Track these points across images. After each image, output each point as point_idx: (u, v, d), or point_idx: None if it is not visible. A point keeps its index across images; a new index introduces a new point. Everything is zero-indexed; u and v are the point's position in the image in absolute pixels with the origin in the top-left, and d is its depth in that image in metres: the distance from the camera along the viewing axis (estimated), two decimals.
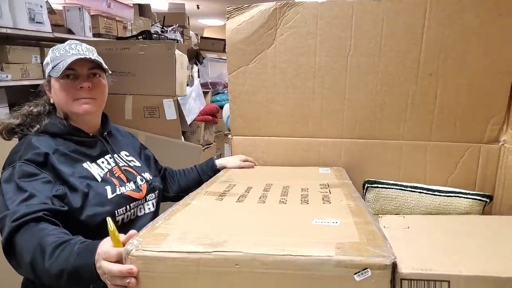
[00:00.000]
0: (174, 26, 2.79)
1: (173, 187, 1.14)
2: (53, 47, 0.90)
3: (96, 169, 0.88)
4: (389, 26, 1.07)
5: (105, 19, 2.77)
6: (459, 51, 1.05)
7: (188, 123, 2.11)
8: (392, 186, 1.03)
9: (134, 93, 1.97)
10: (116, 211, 0.85)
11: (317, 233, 0.61)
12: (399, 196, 1.02)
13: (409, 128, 1.12)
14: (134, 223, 0.90)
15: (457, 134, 1.10)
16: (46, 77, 0.90)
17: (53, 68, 0.86)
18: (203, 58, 2.99)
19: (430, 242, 0.69)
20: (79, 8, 2.49)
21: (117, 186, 0.88)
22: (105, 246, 0.59)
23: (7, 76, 1.90)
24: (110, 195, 0.85)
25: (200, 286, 0.55)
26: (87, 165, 0.87)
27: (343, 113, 1.14)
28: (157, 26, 2.76)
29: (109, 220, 0.59)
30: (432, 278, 0.55)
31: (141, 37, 2.38)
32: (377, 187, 1.04)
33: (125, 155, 0.99)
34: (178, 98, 1.97)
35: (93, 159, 0.90)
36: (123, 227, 0.87)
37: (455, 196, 0.98)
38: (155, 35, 2.49)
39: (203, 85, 2.64)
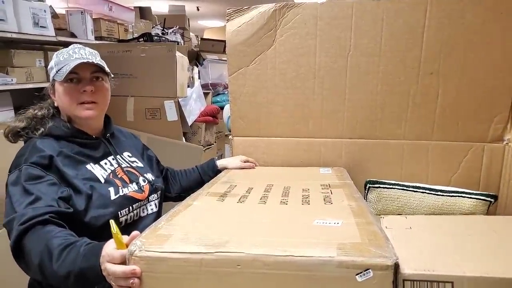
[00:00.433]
0: (174, 28, 2.81)
1: (174, 188, 1.15)
2: (57, 52, 0.92)
3: (99, 171, 0.89)
4: (389, 26, 1.07)
5: (106, 22, 2.79)
6: (460, 50, 1.05)
7: (189, 124, 2.11)
8: (394, 186, 1.03)
9: (135, 95, 1.98)
10: (119, 212, 0.86)
11: (318, 234, 0.61)
12: (401, 196, 1.01)
13: (410, 128, 1.11)
14: (137, 224, 0.90)
15: (460, 134, 1.09)
16: (50, 81, 0.92)
17: (57, 72, 0.88)
18: (204, 59, 3.00)
19: (433, 242, 0.69)
20: (82, 12, 2.51)
21: (120, 187, 0.89)
22: (109, 248, 0.60)
23: (12, 79, 1.92)
24: (113, 197, 0.86)
25: (202, 287, 0.55)
26: (90, 166, 0.88)
27: (344, 113, 1.14)
28: (157, 28, 2.77)
29: (112, 222, 0.60)
30: (435, 279, 0.55)
31: (142, 39, 2.39)
32: (379, 187, 1.03)
33: (128, 156, 1.00)
34: (179, 100, 1.98)
35: (96, 161, 0.91)
36: (127, 228, 0.87)
37: (459, 196, 0.98)
38: (156, 37, 2.50)
39: (204, 86, 2.65)
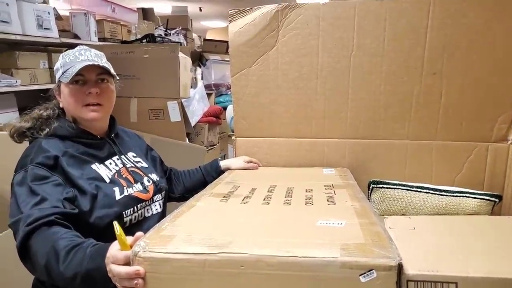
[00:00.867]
0: (177, 29, 2.82)
1: (178, 188, 1.15)
2: (63, 53, 0.92)
3: (104, 170, 0.89)
4: (392, 26, 1.06)
5: (110, 23, 2.80)
6: (463, 50, 1.04)
7: (192, 124, 2.12)
8: (397, 186, 1.02)
9: (139, 96, 1.99)
10: (123, 212, 0.86)
11: (322, 234, 0.61)
12: (405, 197, 1.01)
13: (414, 128, 1.11)
14: (141, 224, 0.91)
15: (464, 133, 1.09)
16: (56, 82, 0.92)
17: (63, 73, 0.88)
18: (206, 60, 3.01)
19: (437, 243, 0.69)
20: (85, 13, 2.53)
21: (124, 188, 0.89)
22: (113, 249, 0.60)
23: (16, 81, 1.94)
24: (118, 196, 0.86)
25: (206, 287, 0.55)
26: (95, 166, 0.89)
27: (347, 113, 1.14)
28: (160, 29, 2.79)
29: (115, 224, 0.60)
30: (439, 280, 0.55)
31: (145, 40, 2.40)
32: (383, 187, 1.03)
33: (132, 156, 1.00)
34: (182, 100, 1.99)
35: (101, 161, 0.91)
36: (131, 228, 0.87)
37: (463, 196, 0.97)
38: (158, 38, 2.51)
39: (207, 87, 2.66)
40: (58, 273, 0.66)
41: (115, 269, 0.58)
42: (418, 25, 1.05)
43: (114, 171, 0.91)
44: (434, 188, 1.00)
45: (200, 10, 5.70)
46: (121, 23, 3.02)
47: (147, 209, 0.93)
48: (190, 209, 0.75)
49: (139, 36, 2.65)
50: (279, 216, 0.72)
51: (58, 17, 2.35)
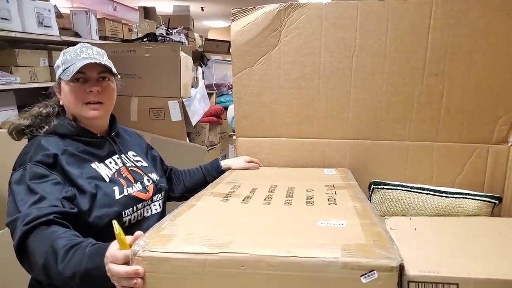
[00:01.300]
0: (179, 28, 2.81)
1: (178, 187, 1.15)
2: (65, 50, 0.91)
3: (104, 169, 0.89)
4: (394, 26, 1.06)
5: (111, 22, 2.80)
6: (465, 51, 1.04)
7: (193, 124, 2.12)
8: (398, 187, 1.02)
9: (139, 95, 1.99)
10: (123, 212, 0.86)
11: (323, 235, 0.61)
12: (406, 198, 1.01)
13: (415, 129, 1.11)
14: (141, 224, 0.90)
15: (464, 135, 1.08)
16: (56, 79, 0.91)
17: (63, 71, 0.87)
18: (208, 59, 3.00)
19: (438, 244, 0.69)
20: (86, 11, 2.53)
21: (124, 187, 0.89)
22: (112, 249, 0.60)
23: (16, 79, 1.93)
24: (117, 196, 0.86)
25: (206, 287, 0.55)
26: (95, 165, 0.88)
27: (348, 113, 1.13)
28: (162, 29, 2.78)
29: (115, 223, 0.60)
30: (441, 281, 0.54)
31: (146, 39, 2.40)
32: (383, 188, 1.03)
33: (133, 155, 1.00)
34: (183, 100, 1.98)
35: (101, 159, 0.91)
36: (130, 228, 0.87)
37: (463, 198, 0.97)
38: (160, 38, 2.50)
39: (208, 87, 2.65)
40: (56, 273, 0.65)
41: (114, 269, 0.57)
42: (420, 26, 1.05)
43: (114, 170, 0.90)
44: (434, 189, 1.00)
45: (202, 9, 5.70)
46: (123, 21, 3.02)
47: (147, 209, 0.93)
48: (190, 209, 0.75)
49: (140, 35, 2.64)
50: (280, 216, 0.72)
51: (59, 15, 2.35)
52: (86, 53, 0.89)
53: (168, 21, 2.94)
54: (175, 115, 1.98)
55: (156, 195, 0.96)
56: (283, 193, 0.86)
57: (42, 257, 0.67)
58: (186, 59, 2.03)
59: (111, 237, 0.78)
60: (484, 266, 0.58)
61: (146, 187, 0.94)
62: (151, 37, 2.40)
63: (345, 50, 1.10)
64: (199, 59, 3.04)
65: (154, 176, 0.98)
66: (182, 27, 2.87)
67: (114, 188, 0.86)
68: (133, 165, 0.97)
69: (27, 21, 1.96)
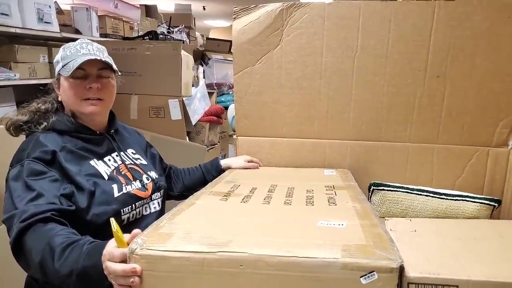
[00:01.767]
0: (180, 27, 2.80)
1: (177, 186, 1.14)
2: (64, 45, 0.91)
3: (103, 167, 0.88)
4: (396, 27, 1.06)
5: (112, 19, 2.79)
6: (467, 53, 1.04)
7: (193, 123, 2.11)
8: (398, 189, 1.02)
9: (139, 93, 1.98)
10: (121, 210, 0.85)
11: (322, 235, 0.60)
12: (405, 199, 1.00)
13: (416, 131, 1.10)
14: (139, 222, 0.90)
15: (465, 137, 1.08)
16: (55, 75, 0.91)
17: (63, 66, 0.87)
18: (209, 59, 3.00)
19: (438, 245, 0.68)
20: (87, 8, 2.52)
21: (123, 185, 0.88)
22: (110, 247, 0.60)
23: (15, 75, 1.92)
24: (116, 194, 0.85)
25: (204, 286, 0.54)
26: (94, 162, 0.87)
27: (349, 114, 1.13)
28: (163, 27, 2.77)
29: (112, 220, 0.59)
30: (440, 283, 0.54)
31: (147, 37, 2.39)
32: (383, 189, 1.03)
33: (132, 153, 0.99)
34: (184, 99, 1.98)
35: (100, 157, 0.90)
36: (129, 226, 0.86)
37: (463, 200, 0.97)
38: (161, 36, 2.50)
39: (208, 86, 2.65)
40: (53, 271, 0.65)
41: (111, 267, 0.57)
42: (423, 27, 1.05)
43: (113, 167, 0.90)
44: (434, 192, 1.00)
45: (204, 8, 5.69)
46: (124, 19, 3.01)
47: (145, 207, 0.92)
48: (190, 207, 0.75)
49: (141, 33, 2.64)
50: (279, 216, 0.72)
51: (60, 11, 2.34)
52: (86, 49, 0.88)
53: (170, 20, 2.93)
54: (175, 114, 1.97)
55: (155, 194, 0.96)
56: (283, 193, 0.85)
57: (39, 255, 0.66)
58: (187, 58, 2.02)
59: (109, 235, 0.77)
60: (484, 268, 0.58)
61: (145, 185, 0.93)
62: (152, 35, 2.39)
63: (347, 50, 1.10)
64: (200, 58, 3.03)
65: (153, 174, 0.98)
66: (183, 26, 2.86)
67: (112, 185, 0.86)
68: (132, 163, 0.96)
69: (27, 17, 1.95)
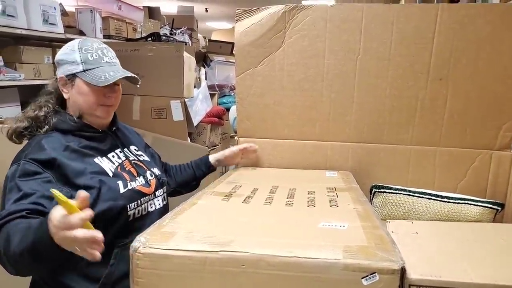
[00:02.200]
0: (182, 29, 2.82)
1: (170, 183, 1.15)
2: (80, 45, 0.89)
3: (107, 164, 0.89)
4: (399, 30, 1.06)
5: (115, 21, 2.81)
6: (470, 56, 1.04)
7: (195, 124, 2.12)
8: (399, 192, 1.02)
9: (142, 94, 1.98)
10: (128, 206, 0.86)
11: (324, 236, 0.60)
12: (407, 202, 1.00)
13: (418, 133, 1.10)
14: (144, 219, 0.90)
15: (467, 140, 1.08)
16: (66, 74, 0.89)
17: (84, 70, 0.87)
18: (211, 60, 3.01)
19: (440, 248, 0.68)
20: (91, 10, 2.54)
21: (128, 181, 0.89)
22: (60, 217, 0.57)
23: (20, 75, 1.94)
24: (122, 190, 0.86)
25: (206, 285, 0.55)
26: (98, 160, 0.88)
27: (351, 116, 1.13)
28: (166, 29, 2.79)
29: (54, 191, 0.56)
30: (442, 285, 0.54)
31: (150, 39, 2.41)
32: (385, 192, 1.02)
33: (135, 149, 1.01)
34: (185, 100, 1.98)
35: (104, 154, 0.91)
36: (134, 222, 0.87)
37: (465, 203, 0.97)
38: (164, 37, 2.51)
39: (210, 88, 2.66)
40: (12, 255, 0.65)
41: (71, 235, 0.56)
42: (426, 30, 1.05)
43: (117, 163, 0.91)
44: (436, 194, 0.99)
45: (206, 10, 5.72)
46: (127, 21, 3.03)
47: (150, 204, 0.93)
48: (192, 207, 0.75)
49: (144, 35, 2.65)
50: (281, 217, 0.72)
51: (64, 13, 2.36)
52: (108, 56, 0.91)
53: (172, 21, 2.95)
54: (177, 115, 1.97)
55: (159, 190, 0.96)
56: (284, 194, 0.85)
57: (1, 246, 0.67)
58: (189, 60, 2.03)
59: (116, 232, 0.77)
60: (486, 271, 0.58)
61: (149, 182, 0.94)
62: (155, 36, 2.41)
63: (349, 52, 1.10)
64: (202, 59, 3.05)
65: (156, 170, 0.99)
66: (186, 28, 2.88)
67: (118, 182, 0.86)
68: (136, 159, 0.97)
69: (33, 18, 1.97)
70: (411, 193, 1.01)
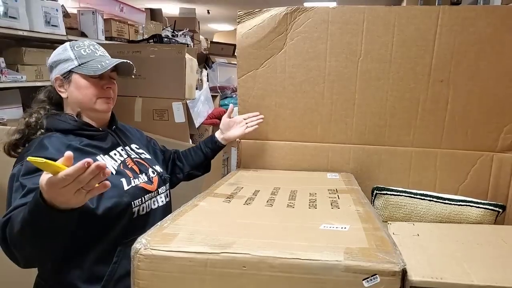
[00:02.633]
0: (184, 31, 2.83)
1: (184, 168, 1.17)
2: (71, 44, 0.92)
3: (109, 162, 0.89)
4: (400, 32, 1.07)
5: (117, 22, 2.83)
6: (471, 58, 1.04)
7: (196, 126, 2.12)
8: (401, 193, 1.02)
9: (143, 96, 1.99)
10: (132, 203, 0.87)
11: (325, 238, 0.60)
12: (408, 204, 1.00)
13: (419, 135, 1.10)
14: (148, 216, 0.91)
15: (469, 142, 1.08)
16: (62, 73, 0.90)
17: (80, 65, 0.88)
18: (213, 62, 3.02)
19: (441, 250, 0.68)
20: (93, 12, 2.55)
21: (131, 178, 0.90)
22: (49, 181, 0.57)
23: (21, 77, 1.95)
24: (126, 187, 0.87)
25: (207, 287, 0.55)
26: (100, 158, 0.88)
27: (352, 118, 1.13)
28: (168, 30, 2.80)
29: (30, 158, 0.54)
30: (443, 287, 0.54)
31: (152, 40, 2.42)
32: (386, 194, 1.02)
33: (136, 147, 1.01)
34: (187, 102, 1.99)
35: (106, 152, 0.91)
36: (138, 220, 0.88)
37: (466, 205, 0.96)
38: (166, 39, 2.52)
39: (212, 89, 2.66)
40: (15, 236, 0.66)
41: (75, 182, 0.56)
42: (427, 32, 1.05)
43: (119, 161, 0.91)
44: (437, 196, 0.99)
45: (208, 12, 5.74)
46: (129, 22, 3.05)
47: (154, 201, 0.94)
48: (193, 209, 0.75)
49: (146, 36, 2.67)
50: (282, 219, 0.72)
51: (66, 15, 2.38)
52: (100, 51, 0.93)
53: (174, 23, 2.96)
54: (179, 116, 1.98)
55: (161, 187, 0.97)
56: (286, 196, 0.85)
57: (7, 234, 0.67)
58: (191, 61, 2.04)
59: (120, 230, 0.77)
60: (487, 273, 0.58)
61: (151, 179, 0.95)
62: (157, 38, 2.42)
63: (351, 55, 1.10)
64: (204, 61, 3.05)
65: (158, 168, 1.00)
66: (187, 29, 2.89)
67: (121, 179, 0.87)
68: (138, 157, 0.98)
69: (35, 20, 1.99)
70: (412, 195, 1.01)
